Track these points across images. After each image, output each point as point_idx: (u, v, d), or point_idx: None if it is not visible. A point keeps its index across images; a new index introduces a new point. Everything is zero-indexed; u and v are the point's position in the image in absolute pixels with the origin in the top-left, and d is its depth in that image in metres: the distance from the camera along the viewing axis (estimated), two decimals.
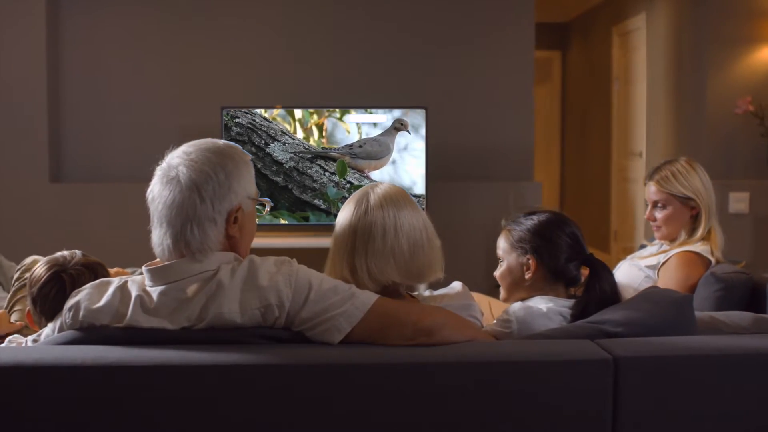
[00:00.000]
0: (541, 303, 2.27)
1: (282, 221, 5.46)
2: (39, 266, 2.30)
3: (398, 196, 2.15)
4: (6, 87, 5.81)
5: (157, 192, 1.97)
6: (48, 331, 2.02)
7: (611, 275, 2.29)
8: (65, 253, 2.35)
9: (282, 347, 1.90)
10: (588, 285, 2.27)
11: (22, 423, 1.81)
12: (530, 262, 2.32)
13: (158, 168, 2.00)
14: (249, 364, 1.84)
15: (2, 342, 2.29)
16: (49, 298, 2.22)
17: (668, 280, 3.04)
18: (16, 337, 2.20)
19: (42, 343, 2.01)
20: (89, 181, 5.87)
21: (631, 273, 3.20)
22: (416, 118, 5.57)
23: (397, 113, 5.48)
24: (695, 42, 6.53)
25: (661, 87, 7.25)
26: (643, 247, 3.47)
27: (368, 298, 1.95)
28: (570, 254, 2.31)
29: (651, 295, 2.18)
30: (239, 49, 6.04)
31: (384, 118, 5.47)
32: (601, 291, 2.24)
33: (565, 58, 10.47)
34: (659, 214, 3.21)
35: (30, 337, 2.12)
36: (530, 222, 2.35)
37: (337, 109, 5.51)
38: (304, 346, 1.91)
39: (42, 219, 5.78)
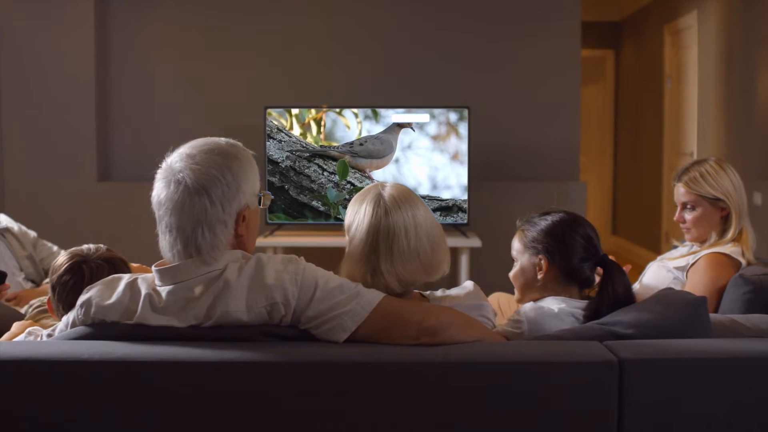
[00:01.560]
0: (553, 304, 2.25)
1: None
2: (62, 255, 2.36)
3: (410, 195, 2.17)
4: (56, 88, 5.94)
5: (165, 197, 1.97)
6: (62, 326, 2.06)
7: (625, 277, 2.26)
8: (91, 245, 2.40)
9: (287, 345, 1.91)
10: (601, 286, 2.25)
11: (32, 415, 1.85)
12: (542, 262, 2.31)
13: (160, 171, 2.00)
14: (253, 362, 1.86)
15: None
16: (67, 287, 2.27)
17: (696, 282, 2.99)
18: (36, 329, 2.25)
19: (54, 338, 2.05)
20: (136, 180, 5.96)
21: (659, 274, 3.16)
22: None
23: (439, 113, 5.41)
24: (746, 40, 6.41)
25: (711, 85, 7.14)
26: (675, 248, 3.42)
27: (373, 297, 1.95)
28: (583, 255, 2.29)
29: (664, 297, 2.16)
30: (283, 49, 6.08)
31: (426, 117, 5.43)
32: (614, 292, 2.21)
33: (618, 57, 10.35)
34: (689, 216, 3.16)
35: (45, 331, 2.17)
36: (544, 222, 2.33)
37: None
38: (308, 345, 1.92)
39: (90, 217, 5.90)
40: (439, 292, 2.26)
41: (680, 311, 2.09)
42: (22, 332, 2.28)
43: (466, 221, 5.43)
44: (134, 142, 6.10)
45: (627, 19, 9.94)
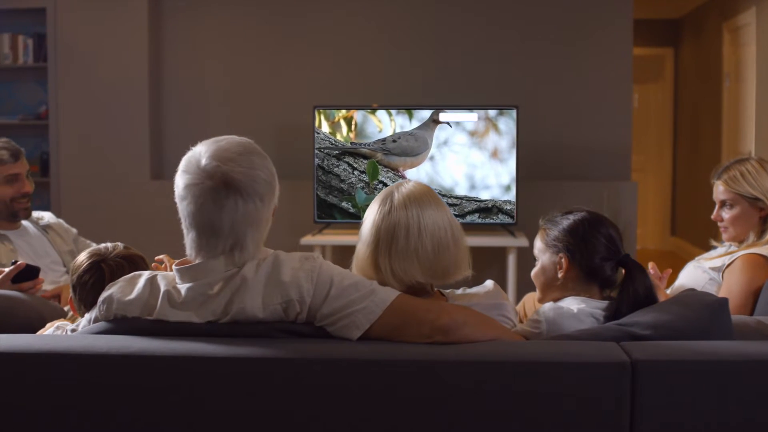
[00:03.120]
0: (572, 304, 2.24)
1: None
2: (81, 255, 2.41)
3: (423, 195, 2.16)
4: (111, 89, 6.07)
5: (209, 200, 1.94)
6: (84, 322, 2.11)
7: (647, 277, 2.24)
8: (108, 244, 2.45)
9: (300, 342, 1.93)
10: (622, 287, 2.23)
11: (50, 406, 1.90)
12: (563, 261, 2.29)
13: (191, 177, 1.99)
14: (268, 358, 1.88)
15: None
16: (87, 286, 2.31)
17: (732, 283, 2.95)
18: (63, 324, 2.31)
19: (77, 333, 2.10)
20: None
21: (695, 275, 3.12)
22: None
23: (491, 114, 5.36)
24: None
25: None
26: (714, 248, 3.37)
27: (388, 295, 1.97)
28: (604, 254, 2.27)
29: (684, 298, 2.13)
30: (333, 49, 6.13)
31: (474, 117, 5.40)
32: (634, 293, 2.19)
33: (678, 55, 10.20)
34: (726, 215, 3.12)
35: (69, 326, 2.22)
36: (566, 221, 2.32)
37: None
38: (323, 342, 1.94)
39: (143, 214, 6.01)
40: (459, 291, 2.27)
41: (699, 313, 2.06)
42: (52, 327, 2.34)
43: (514, 221, 5.41)
44: (186, 141, 6.10)
45: (686, 16, 9.79)
